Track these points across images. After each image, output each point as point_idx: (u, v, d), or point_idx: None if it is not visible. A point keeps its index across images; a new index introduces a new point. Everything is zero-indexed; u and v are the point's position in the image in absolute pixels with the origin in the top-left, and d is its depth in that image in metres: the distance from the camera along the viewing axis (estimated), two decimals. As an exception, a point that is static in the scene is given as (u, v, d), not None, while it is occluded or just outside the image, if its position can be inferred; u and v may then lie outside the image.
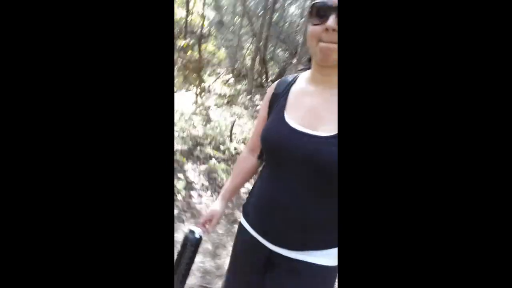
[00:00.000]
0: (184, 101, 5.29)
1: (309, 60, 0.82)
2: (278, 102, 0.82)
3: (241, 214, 0.92)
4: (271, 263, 0.81)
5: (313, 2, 0.67)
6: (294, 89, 0.81)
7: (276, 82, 0.88)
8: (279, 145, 0.75)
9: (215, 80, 7.63)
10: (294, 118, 0.76)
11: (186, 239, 0.87)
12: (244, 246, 0.88)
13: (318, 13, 0.66)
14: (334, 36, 0.64)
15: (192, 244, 0.86)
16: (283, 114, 0.78)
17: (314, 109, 0.73)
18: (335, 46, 0.64)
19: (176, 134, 3.81)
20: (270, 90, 0.88)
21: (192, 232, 0.88)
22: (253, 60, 7.40)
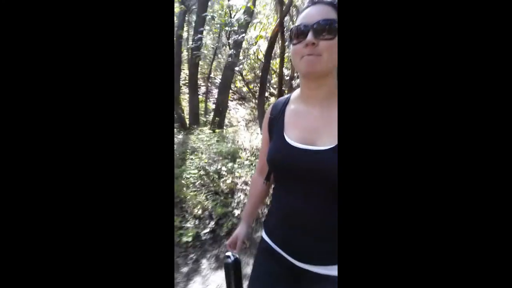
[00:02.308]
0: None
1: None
2: (276, 124, 0.88)
3: (263, 230, 0.96)
4: (297, 279, 0.83)
5: (292, 27, 0.77)
6: (288, 109, 0.88)
7: (271, 106, 0.95)
8: (284, 164, 0.80)
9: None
10: (293, 137, 0.81)
11: (226, 266, 0.94)
12: (268, 262, 0.90)
13: (297, 34, 0.75)
14: (314, 50, 0.72)
15: (231, 267, 0.93)
16: (283, 135, 0.83)
17: (311, 125, 0.80)
18: (316, 57, 0.73)
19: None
20: (267, 114, 0.94)
21: (227, 257, 0.95)
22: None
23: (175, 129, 4.97)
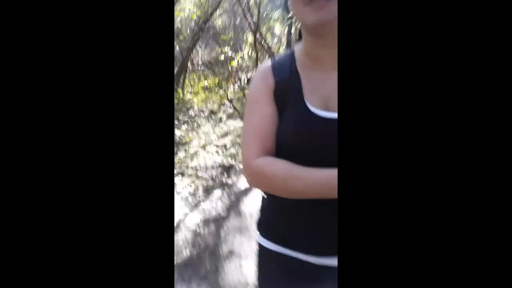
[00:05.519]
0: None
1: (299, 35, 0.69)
2: (288, 90, 0.66)
3: (260, 236, 0.78)
4: (318, 279, 0.70)
5: None
6: (300, 71, 0.67)
7: (269, 69, 0.69)
8: (311, 140, 0.63)
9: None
10: (318, 105, 0.63)
11: None
12: (281, 271, 0.74)
13: None
14: None
15: None
16: (304, 104, 0.64)
17: (334, 91, 0.61)
18: (329, 1, 0.56)
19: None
20: (267, 78, 0.68)
21: None
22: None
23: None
